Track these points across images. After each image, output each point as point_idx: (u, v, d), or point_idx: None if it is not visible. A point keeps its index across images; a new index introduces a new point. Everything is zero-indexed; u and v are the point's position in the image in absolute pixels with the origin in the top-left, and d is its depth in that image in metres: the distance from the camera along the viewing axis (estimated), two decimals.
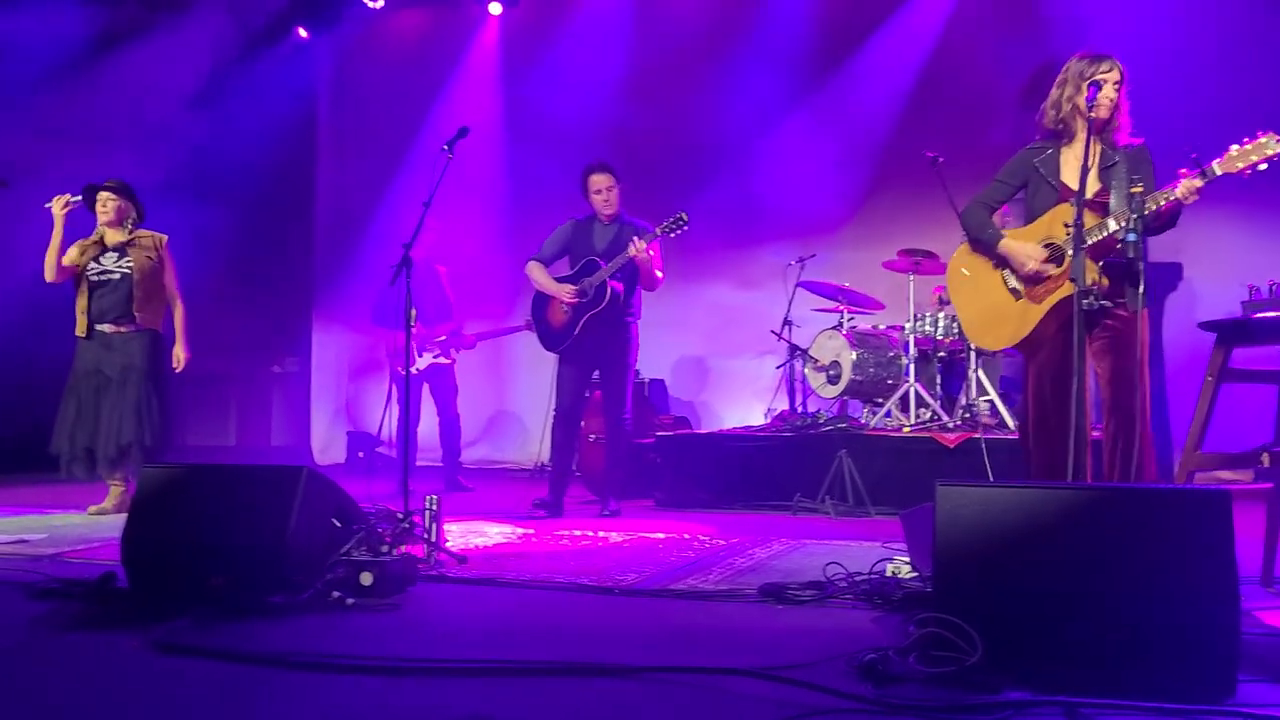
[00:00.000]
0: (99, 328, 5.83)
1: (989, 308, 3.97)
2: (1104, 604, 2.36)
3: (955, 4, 8.02)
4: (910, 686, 2.27)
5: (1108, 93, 3.69)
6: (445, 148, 4.81)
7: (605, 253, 5.64)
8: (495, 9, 9.14)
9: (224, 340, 9.54)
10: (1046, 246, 3.78)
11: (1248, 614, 2.40)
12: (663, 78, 8.75)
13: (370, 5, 9.20)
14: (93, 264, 5.86)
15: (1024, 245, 3.84)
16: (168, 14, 8.72)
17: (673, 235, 5.58)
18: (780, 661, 2.43)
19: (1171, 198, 3.45)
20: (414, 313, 4.53)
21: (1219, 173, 3.40)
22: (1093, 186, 3.71)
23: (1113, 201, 3.63)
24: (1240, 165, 3.36)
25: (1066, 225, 3.59)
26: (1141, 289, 3.39)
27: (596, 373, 5.85)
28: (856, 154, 8.24)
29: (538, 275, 5.80)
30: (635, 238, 5.50)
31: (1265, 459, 3.18)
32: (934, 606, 2.47)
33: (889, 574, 3.42)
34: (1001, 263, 3.93)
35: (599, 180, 5.74)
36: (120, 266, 5.89)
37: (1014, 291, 3.89)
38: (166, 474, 3.50)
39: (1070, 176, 3.73)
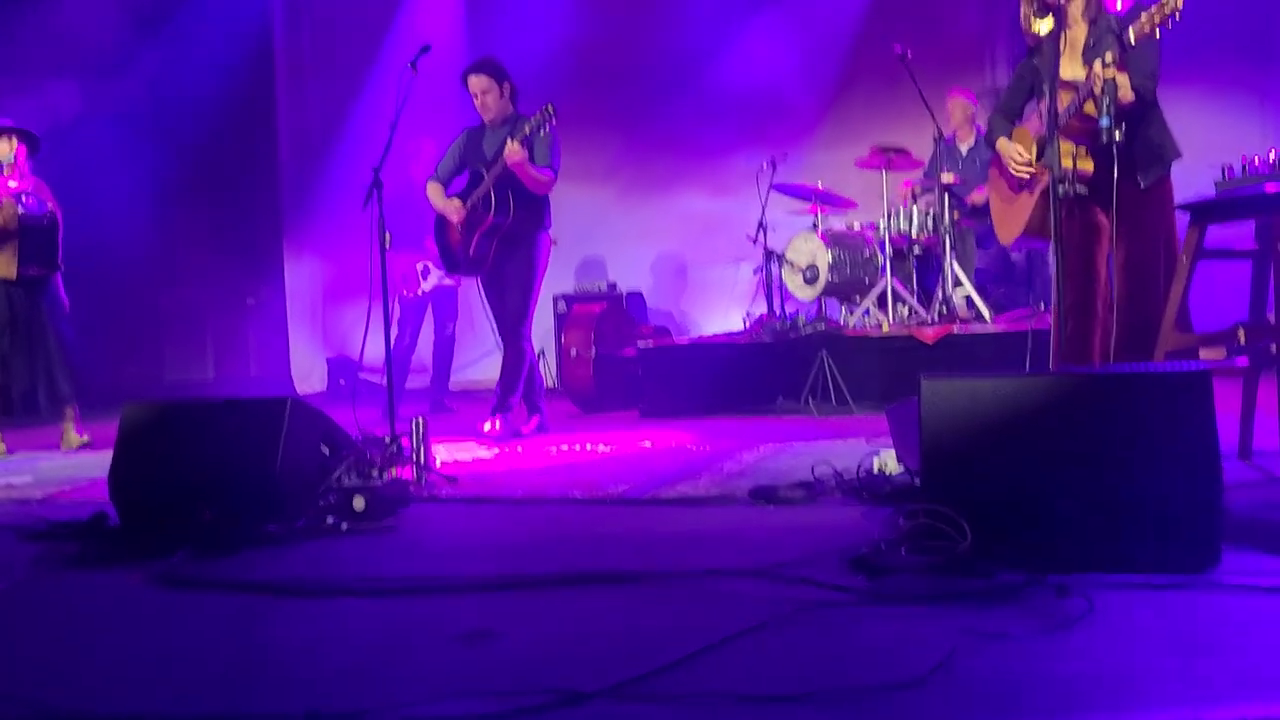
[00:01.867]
0: (24, 271, 5.76)
1: (1002, 204, 4.12)
2: (1090, 485, 2.40)
3: None
4: (903, 577, 2.31)
5: None
6: (410, 65, 4.71)
7: (493, 161, 5.22)
8: None
9: (193, 274, 9.45)
10: (1038, 140, 3.84)
11: (1230, 486, 2.45)
12: None
13: None
14: (19, 206, 5.73)
15: (1011, 146, 3.95)
16: None
17: (543, 132, 5.11)
18: (774, 560, 2.47)
19: (1097, 79, 3.46)
20: (388, 236, 4.48)
21: (1132, 41, 3.41)
22: (1081, 71, 3.70)
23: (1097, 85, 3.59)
24: (1147, 28, 3.37)
25: (1041, 116, 3.59)
26: (1111, 171, 3.38)
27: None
28: (823, 52, 8.13)
29: (433, 196, 5.43)
30: (509, 139, 5.08)
31: (1240, 335, 3.22)
32: (922, 498, 2.51)
33: (876, 469, 3.46)
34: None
35: (474, 83, 5.29)
36: (48, 216, 5.83)
37: (1016, 185, 4.01)
38: (150, 411, 3.48)
39: (1064, 65, 3.71)
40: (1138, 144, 3.62)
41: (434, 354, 7.44)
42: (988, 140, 4.19)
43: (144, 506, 3.29)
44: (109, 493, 3.34)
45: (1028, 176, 3.89)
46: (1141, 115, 3.64)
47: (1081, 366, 3.65)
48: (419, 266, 7.21)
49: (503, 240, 5.26)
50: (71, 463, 5.40)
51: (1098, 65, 3.44)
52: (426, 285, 7.21)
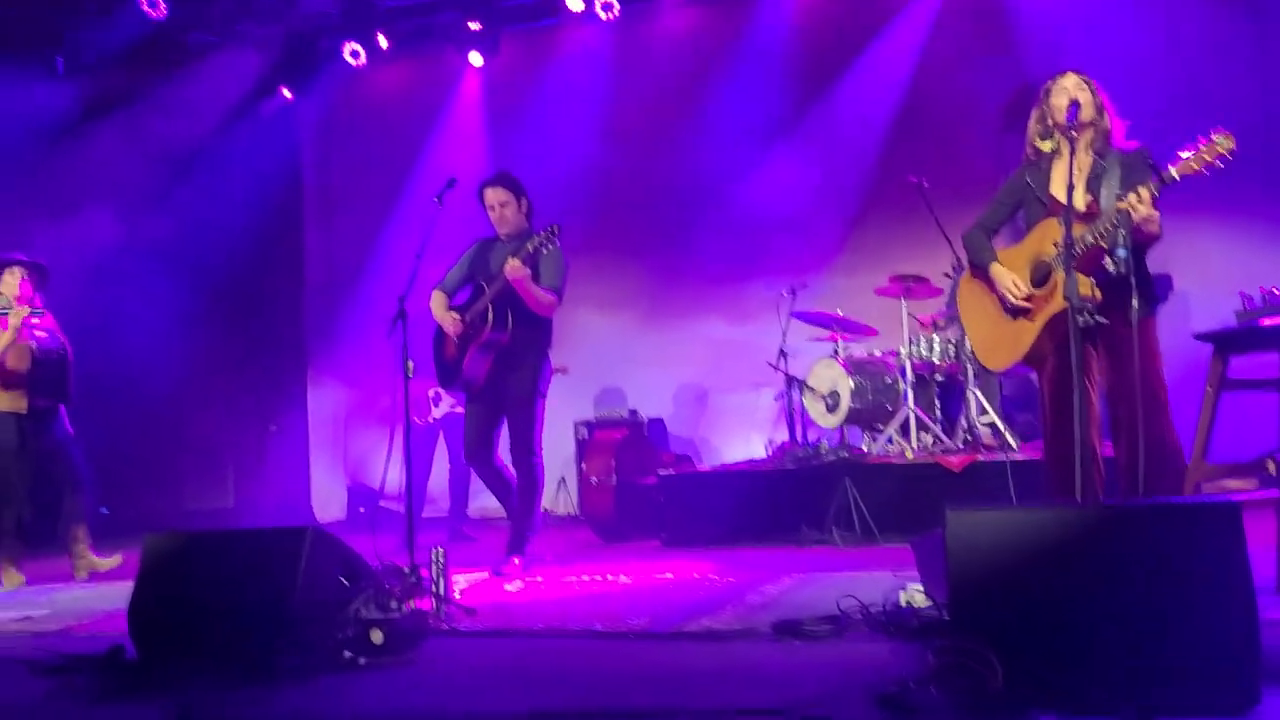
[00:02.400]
0: (37, 404, 5.82)
1: (992, 328, 3.98)
2: (1122, 621, 2.34)
3: (930, 31, 8.12)
4: (933, 717, 2.25)
5: (1064, 98, 3.72)
6: (436, 199, 4.84)
7: (497, 274, 5.04)
8: (476, 60, 9.22)
9: (216, 402, 9.54)
10: (1036, 265, 3.78)
11: (1267, 623, 2.38)
12: (645, 118, 8.83)
13: (352, 63, 9.27)
14: (32, 341, 5.83)
15: (1007, 275, 3.85)
16: (151, 82, 8.79)
17: (546, 251, 4.97)
18: (799, 698, 2.41)
19: (1129, 208, 3.46)
20: (411, 364, 4.52)
21: (1176, 176, 3.41)
22: (1083, 199, 3.72)
23: (1103, 205, 3.62)
24: (1196, 166, 3.38)
25: (1056, 244, 3.61)
26: (1135, 302, 3.39)
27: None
28: (842, 182, 8.30)
29: (435, 306, 5.27)
30: (510, 257, 4.94)
31: (1270, 466, 3.18)
32: (952, 634, 2.46)
33: (903, 603, 3.39)
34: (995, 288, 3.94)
35: (491, 195, 5.21)
36: (60, 348, 5.94)
37: (1010, 312, 3.89)
38: (170, 542, 3.47)
39: (1059, 190, 3.75)
40: (1137, 277, 3.62)
41: (450, 482, 7.40)
42: (972, 257, 4.03)
43: (163, 639, 3.26)
44: (128, 625, 3.30)
45: (1027, 307, 3.80)
46: (1135, 249, 3.67)
47: (1109, 499, 3.60)
48: (430, 393, 7.25)
49: (499, 358, 5.09)
50: (89, 594, 5.37)
51: (1132, 197, 3.43)
52: (437, 413, 7.24)
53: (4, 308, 5.83)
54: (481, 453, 5.20)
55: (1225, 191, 4.12)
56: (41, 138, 8.11)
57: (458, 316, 5.14)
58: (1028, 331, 3.80)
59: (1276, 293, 3.34)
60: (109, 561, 5.93)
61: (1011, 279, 3.84)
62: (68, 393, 6.00)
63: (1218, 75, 7.13)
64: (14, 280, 5.89)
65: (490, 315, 5.00)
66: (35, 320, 5.91)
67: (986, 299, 4.01)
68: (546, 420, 8.83)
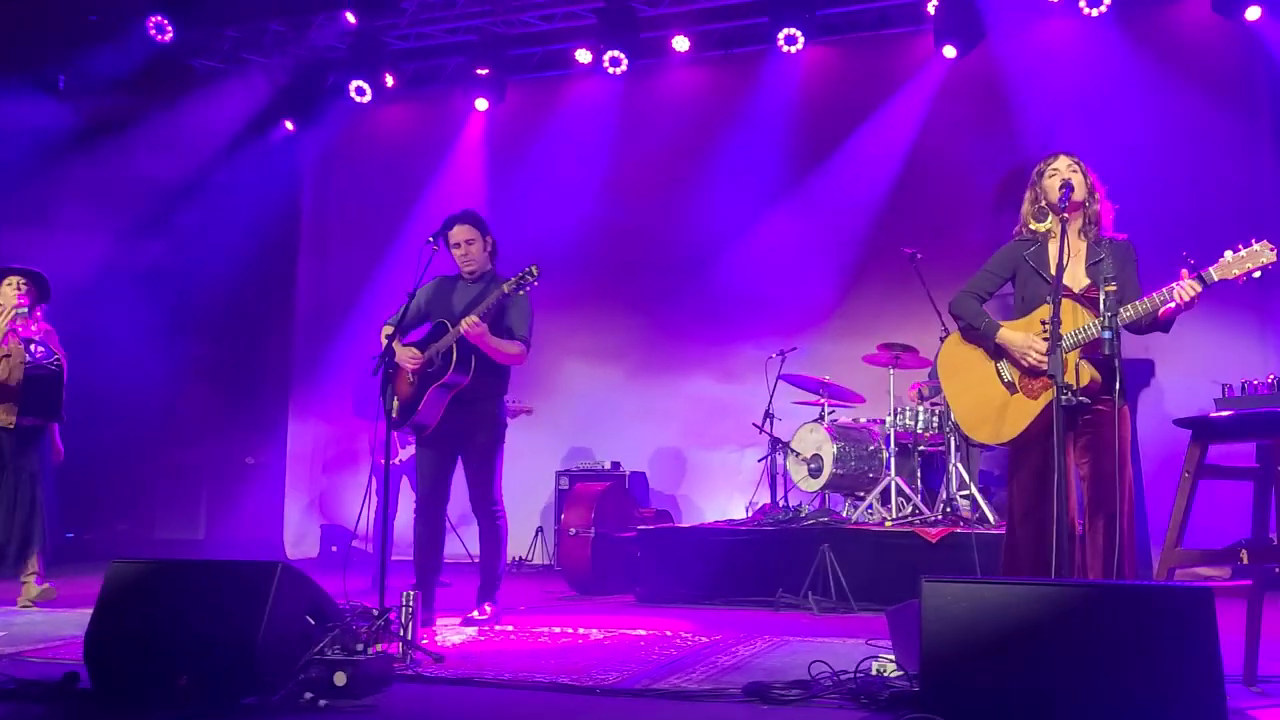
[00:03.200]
0: (21, 421, 5.73)
1: (982, 400, 3.91)
2: (1092, 703, 2.32)
3: (930, 105, 8.23)
4: None
5: (1056, 179, 3.77)
6: (430, 240, 4.85)
7: (462, 315, 4.84)
8: (481, 105, 9.30)
9: (194, 431, 9.47)
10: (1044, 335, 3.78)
11: (1236, 713, 2.36)
12: (645, 174, 8.90)
13: (358, 99, 9.35)
14: (25, 355, 5.75)
15: (1024, 336, 3.78)
16: (154, 105, 8.84)
17: (522, 292, 4.86)
18: None
19: (1168, 300, 3.50)
20: (396, 403, 4.50)
21: (1216, 278, 3.47)
22: (1082, 281, 3.76)
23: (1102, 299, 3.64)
24: (1236, 272, 3.44)
25: (1044, 324, 3.62)
26: (1118, 385, 3.42)
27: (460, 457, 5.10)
28: (837, 249, 8.36)
29: (383, 338, 5.08)
30: (466, 317, 4.77)
31: (1244, 555, 3.18)
32: (922, 706, 2.43)
33: (875, 672, 3.36)
34: (997, 353, 3.90)
35: (458, 233, 5.05)
36: (52, 363, 5.85)
37: (1009, 385, 3.85)
38: (134, 569, 3.42)
39: (1054, 268, 3.76)
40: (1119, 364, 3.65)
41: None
42: (971, 322, 3.95)
43: (120, 669, 3.20)
44: (84, 652, 3.25)
45: (1041, 381, 3.75)
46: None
47: (1082, 578, 3.59)
48: (396, 435, 7.19)
49: (457, 401, 4.91)
50: (46, 618, 5.27)
51: (1187, 285, 3.47)
52: (404, 454, 7.15)
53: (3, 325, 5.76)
54: (438, 504, 5.06)
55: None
56: (38, 154, 8.11)
57: (417, 353, 4.92)
58: (1029, 408, 3.76)
59: (1255, 384, 3.36)
60: (45, 592, 5.75)
61: (1026, 338, 3.77)
62: (59, 411, 5.91)
63: (1206, 163, 7.25)
64: (11, 290, 5.81)
65: (455, 355, 4.82)
66: (33, 328, 5.83)
67: (978, 367, 3.94)
68: (528, 469, 8.79)
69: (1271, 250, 3.38)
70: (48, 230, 7.87)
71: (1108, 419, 3.60)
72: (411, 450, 7.16)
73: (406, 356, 4.93)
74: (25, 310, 5.77)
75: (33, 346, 5.81)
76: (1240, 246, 3.42)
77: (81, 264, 6.09)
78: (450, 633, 4.73)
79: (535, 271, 4.79)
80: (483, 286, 5.04)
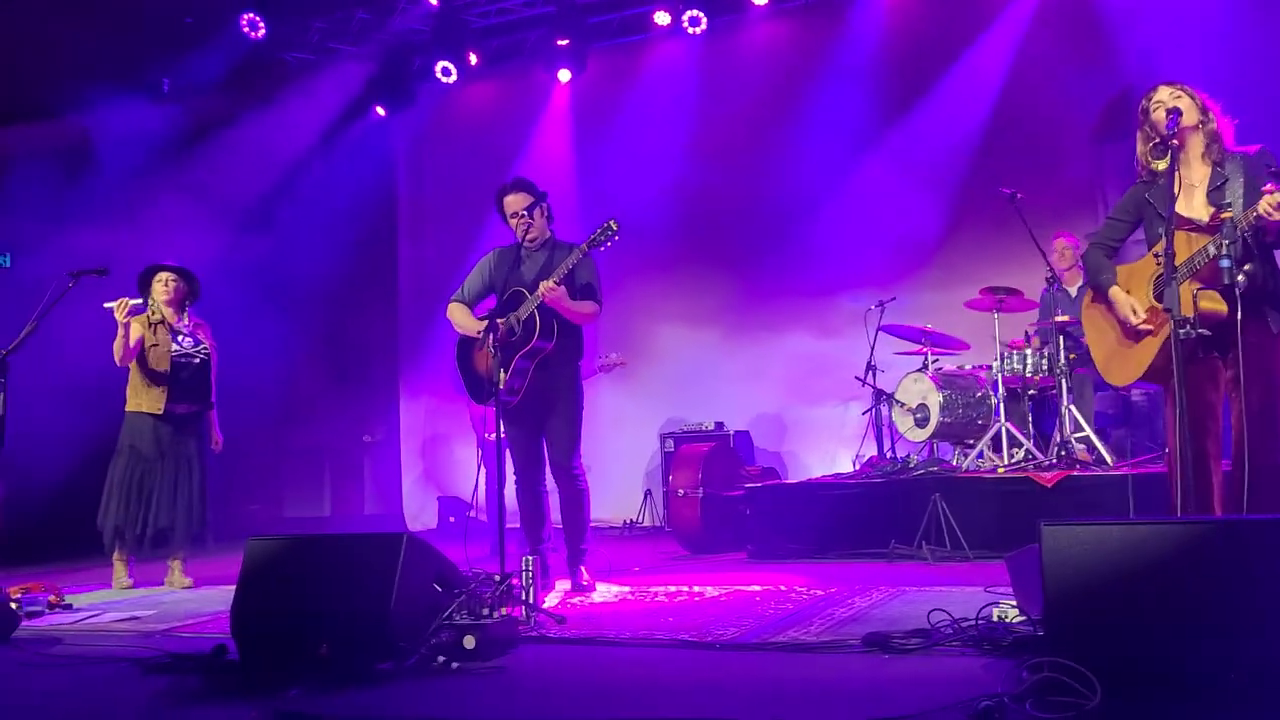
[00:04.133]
0: (173, 407, 5.98)
1: (1114, 344, 3.90)
2: (1222, 637, 2.29)
3: (1022, 40, 8.00)
4: None
5: (1164, 108, 3.63)
6: (523, 215, 4.91)
7: (534, 284, 4.80)
8: (564, 76, 9.35)
9: (313, 414, 9.80)
10: (1157, 281, 3.68)
11: None
12: (731, 133, 8.85)
13: (444, 80, 9.48)
14: (173, 345, 6.02)
15: (1126, 300, 3.77)
16: (251, 102, 9.10)
17: (603, 248, 4.74)
18: (890, 713, 2.39)
19: (1255, 215, 3.35)
20: (503, 375, 4.59)
21: None
22: (1204, 210, 3.63)
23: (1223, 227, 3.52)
24: None
25: (1157, 256, 3.53)
26: (1239, 315, 3.30)
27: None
28: (932, 195, 8.21)
29: (458, 316, 5.07)
30: (544, 281, 4.72)
31: None
32: (1047, 650, 2.42)
33: (996, 619, 3.34)
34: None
35: (513, 202, 4.97)
36: (199, 351, 6.10)
37: (1130, 330, 3.80)
38: (272, 546, 3.58)
39: (1182, 203, 3.64)
40: (1267, 289, 3.51)
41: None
42: (1091, 279, 3.97)
43: (264, 640, 3.36)
44: (230, 626, 3.42)
45: (1148, 330, 3.69)
46: (1266, 258, 3.55)
47: (1208, 515, 3.50)
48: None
49: (541, 367, 4.85)
50: (193, 596, 5.55)
51: (1265, 202, 3.31)
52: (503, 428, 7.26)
53: (154, 318, 6.03)
54: (534, 475, 5.05)
55: None
56: (148, 156, 8.42)
57: (500, 322, 4.77)
58: (1149, 347, 3.71)
59: None
60: (185, 581, 6.03)
61: (1130, 304, 3.75)
62: (209, 398, 6.16)
63: None
64: (162, 287, 6.09)
65: (537, 323, 4.77)
66: (184, 324, 6.09)
67: (1108, 318, 3.92)
68: (632, 433, 8.87)
69: None
70: (162, 230, 8.16)
71: (1255, 349, 3.49)
72: None
73: (479, 328, 4.90)
74: (168, 296, 6.03)
75: (180, 337, 6.08)
76: None
77: (193, 261, 6.33)
78: (566, 598, 4.84)
79: (615, 226, 4.70)
80: (548, 252, 4.98)
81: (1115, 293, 3.82)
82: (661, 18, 8.83)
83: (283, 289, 8.71)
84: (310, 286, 9.03)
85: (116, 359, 5.91)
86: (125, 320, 5.81)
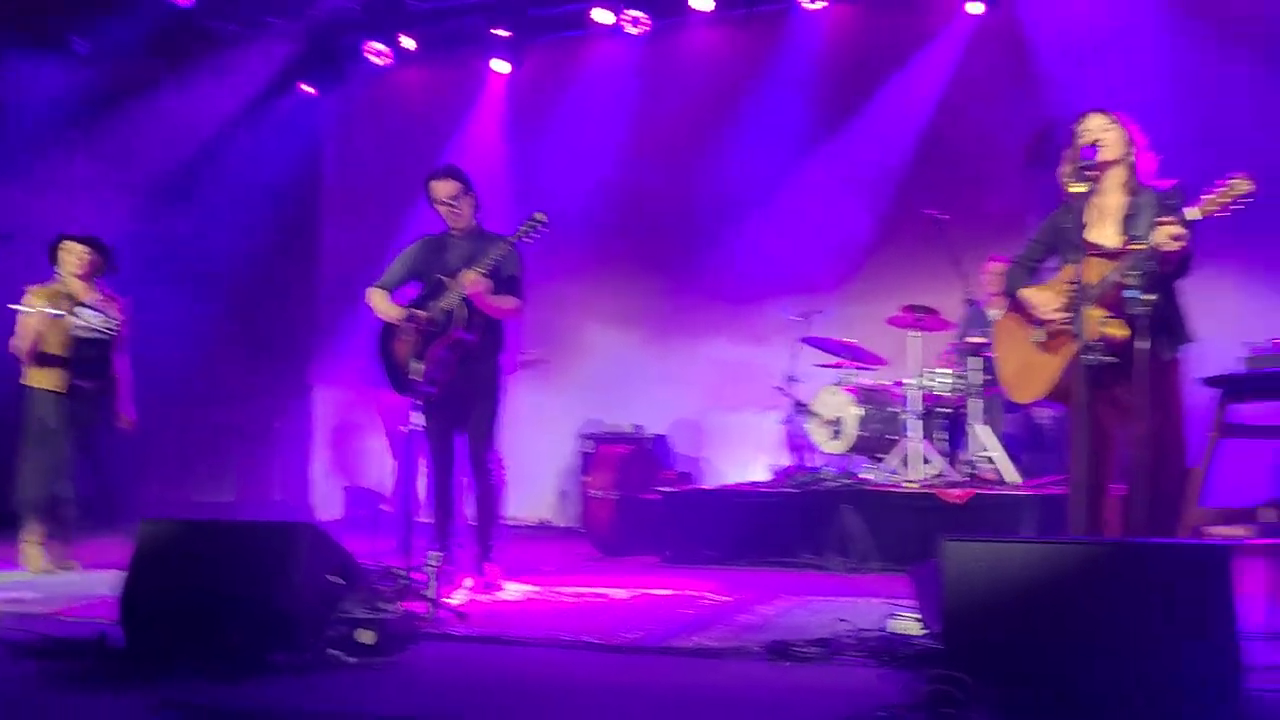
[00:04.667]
0: (78, 383, 5.80)
1: (1021, 363, 3.99)
2: (1111, 661, 2.33)
3: (957, 67, 8.13)
4: None
5: (1091, 138, 3.72)
6: (450, 203, 4.84)
7: (459, 272, 4.72)
8: (501, 67, 9.26)
9: (222, 396, 9.55)
10: (1069, 297, 3.75)
11: (1252, 669, 2.36)
12: (667, 136, 8.84)
13: (376, 63, 9.32)
14: (74, 319, 5.80)
15: (1039, 293, 3.86)
16: (173, 70, 8.83)
17: (530, 241, 4.70)
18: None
19: (1150, 245, 3.45)
20: (420, 367, 4.52)
21: (1199, 215, 3.42)
22: (1115, 238, 3.72)
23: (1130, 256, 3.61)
24: (1213, 208, 3.39)
25: (1070, 282, 3.60)
26: (1137, 344, 3.38)
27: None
28: (860, 212, 8.29)
29: (378, 302, 4.96)
30: (467, 271, 4.64)
31: (1267, 514, 3.16)
32: (944, 663, 2.45)
33: (896, 630, 3.38)
34: (1030, 317, 3.93)
35: (442, 188, 4.89)
36: (106, 326, 5.90)
37: (1040, 345, 3.90)
38: (166, 529, 3.47)
39: (1094, 230, 3.74)
40: (1165, 317, 3.61)
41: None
42: (1007, 290, 4.07)
43: (153, 626, 3.26)
44: (119, 610, 3.30)
45: (1059, 322, 3.77)
46: (1167, 289, 3.66)
47: (1104, 536, 3.58)
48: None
49: (463, 359, 4.77)
50: (80, 579, 5.36)
51: (1159, 232, 3.42)
52: (416, 419, 7.18)
53: (63, 290, 5.81)
54: (448, 468, 4.97)
55: (1236, 238, 4.10)
56: (56, 120, 8.12)
57: (420, 313, 4.78)
58: (1053, 366, 3.80)
59: None
60: (71, 563, 5.81)
61: (1042, 296, 3.83)
62: (110, 375, 5.94)
63: (1233, 118, 7.11)
64: (71, 258, 5.84)
65: (465, 313, 4.69)
66: (95, 299, 5.87)
67: (1018, 333, 4.01)
68: (551, 432, 8.81)
69: (1247, 181, 3.33)
70: (69, 197, 7.88)
71: (1172, 374, 3.59)
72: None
73: (399, 315, 4.82)
74: (79, 270, 5.81)
75: (87, 312, 5.86)
76: (1219, 183, 3.38)
77: (103, 230, 6.11)
78: (476, 593, 4.78)
79: (542, 218, 4.65)
80: (474, 242, 4.90)
81: (1026, 291, 3.90)
82: (603, 16, 8.79)
83: (197, 266, 8.48)
84: (226, 265, 8.79)
85: (19, 354, 5.70)
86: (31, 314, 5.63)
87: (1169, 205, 3.64)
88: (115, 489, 5.96)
